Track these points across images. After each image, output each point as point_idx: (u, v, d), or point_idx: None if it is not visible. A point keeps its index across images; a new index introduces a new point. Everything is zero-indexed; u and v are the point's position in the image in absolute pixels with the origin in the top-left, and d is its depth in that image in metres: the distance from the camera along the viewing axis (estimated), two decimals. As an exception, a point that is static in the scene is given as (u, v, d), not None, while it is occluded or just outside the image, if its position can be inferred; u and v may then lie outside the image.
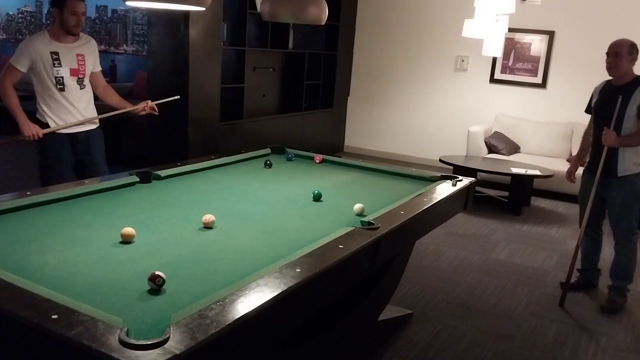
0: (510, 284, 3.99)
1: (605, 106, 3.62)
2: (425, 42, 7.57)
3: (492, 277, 4.08)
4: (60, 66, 3.44)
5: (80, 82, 3.54)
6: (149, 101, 3.74)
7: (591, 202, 3.63)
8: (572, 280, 3.81)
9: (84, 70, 3.55)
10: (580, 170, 3.94)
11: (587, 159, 3.85)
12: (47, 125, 3.48)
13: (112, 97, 3.79)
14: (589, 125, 3.92)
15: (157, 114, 3.79)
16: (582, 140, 4.07)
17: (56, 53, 3.43)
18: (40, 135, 3.41)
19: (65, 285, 1.61)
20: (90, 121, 3.65)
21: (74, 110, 3.53)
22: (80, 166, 3.67)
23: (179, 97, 3.87)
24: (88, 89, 3.63)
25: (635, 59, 3.56)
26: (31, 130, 3.38)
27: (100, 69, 3.76)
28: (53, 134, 3.47)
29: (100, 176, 3.12)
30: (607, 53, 3.61)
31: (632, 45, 3.58)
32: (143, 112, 3.72)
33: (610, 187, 3.60)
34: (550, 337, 3.27)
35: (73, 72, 3.50)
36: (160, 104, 3.78)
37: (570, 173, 3.99)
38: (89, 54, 3.59)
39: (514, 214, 5.69)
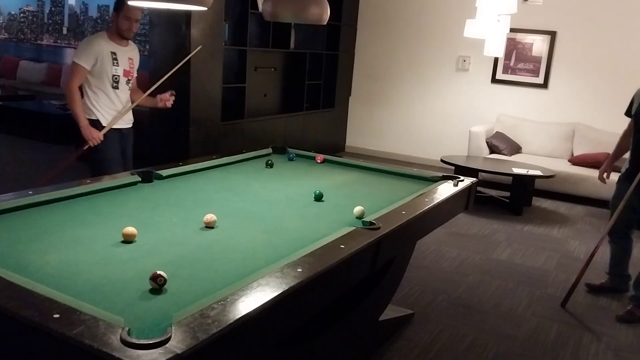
0: (512, 284, 3.99)
1: None
2: (427, 42, 7.57)
3: (493, 278, 4.08)
4: (118, 65, 3.68)
5: (128, 83, 3.80)
6: (168, 93, 3.92)
7: (620, 210, 3.58)
8: (600, 282, 3.90)
9: (133, 72, 3.84)
10: (614, 176, 3.86)
11: (627, 167, 3.71)
12: (96, 121, 3.67)
13: (136, 96, 3.97)
14: (628, 127, 3.79)
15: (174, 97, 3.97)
16: (619, 141, 3.92)
17: (114, 53, 3.66)
18: (102, 138, 3.63)
19: (66, 284, 1.61)
20: (123, 116, 3.83)
21: (121, 107, 3.78)
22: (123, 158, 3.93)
23: (200, 46, 4.08)
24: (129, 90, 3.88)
25: None
26: (92, 134, 3.61)
27: (136, 76, 3.99)
28: (99, 124, 3.68)
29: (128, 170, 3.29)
30: None
31: None
32: (163, 104, 3.91)
33: None
34: (551, 338, 3.27)
35: (125, 73, 3.75)
36: (185, 61, 4.01)
37: (604, 172, 3.92)
38: (136, 60, 3.88)
39: (516, 214, 5.69)
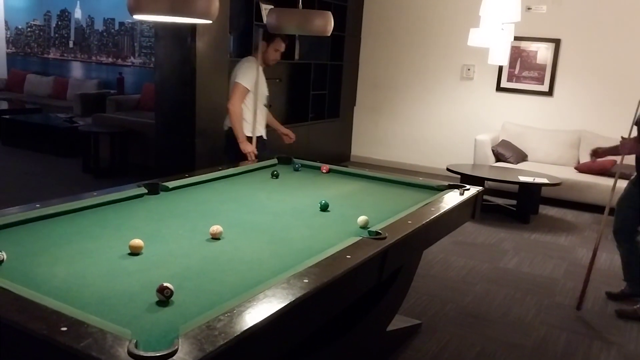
0: (520, 292, 3.96)
1: None
2: (431, 51, 7.58)
3: (501, 286, 4.06)
4: (265, 87, 4.22)
5: (266, 99, 4.31)
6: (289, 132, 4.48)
7: (622, 210, 3.71)
8: (620, 290, 3.92)
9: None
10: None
11: (636, 173, 3.73)
12: (260, 137, 4.19)
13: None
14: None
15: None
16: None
17: (262, 76, 4.15)
18: (256, 152, 4.02)
19: (74, 297, 1.62)
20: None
21: (264, 121, 4.29)
22: None
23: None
24: None
25: None
26: (247, 148, 4.00)
27: None
28: (262, 138, 4.23)
29: None
30: None
31: None
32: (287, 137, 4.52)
33: None
34: (560, 346, 3.24)
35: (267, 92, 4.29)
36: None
37: (597, 154, 3.83)
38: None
39: (523, 223, 5.67)
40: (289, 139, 4.46)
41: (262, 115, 4.25)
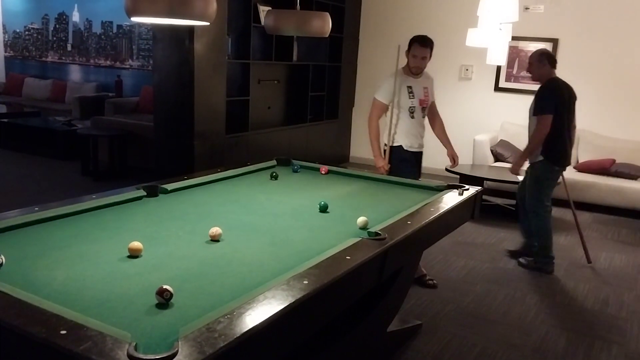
0: (520, 292, 3.96)
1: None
2: (429, 52, 7.57)
3: (501, 286, 4.05)
4: (414, 97, 4.05)
5: (424, 110, 4.14)
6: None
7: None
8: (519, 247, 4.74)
9: (428, 100, 4.15)
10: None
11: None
12: (399, 147, 4.10)
13: (437, 125, 4.37)
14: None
15: None
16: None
17: (410, 87, 4.03)
18: (386, 167, 4.05)
19: (73, 300, 1.61)
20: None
21: (417, 133, 4.14)
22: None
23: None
24: (426, 117, 4.21)
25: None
26: (378, 163, 4.10)
27: (434, 99, 4.30)
28: (402, 149, 4.09)
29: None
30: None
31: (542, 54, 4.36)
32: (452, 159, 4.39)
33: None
34: (561, 346, 3.24)
35: (421, 102, 4.09)
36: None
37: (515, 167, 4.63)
38: (431, 87, 4.19)
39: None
40: (452, 162, 4.34)
41: (413, 126, 4.10)
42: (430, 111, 4.26)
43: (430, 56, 4.06)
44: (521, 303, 3.79)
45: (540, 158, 4.34)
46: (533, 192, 4.42)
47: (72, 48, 10.42)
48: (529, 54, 4.71)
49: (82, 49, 10.28)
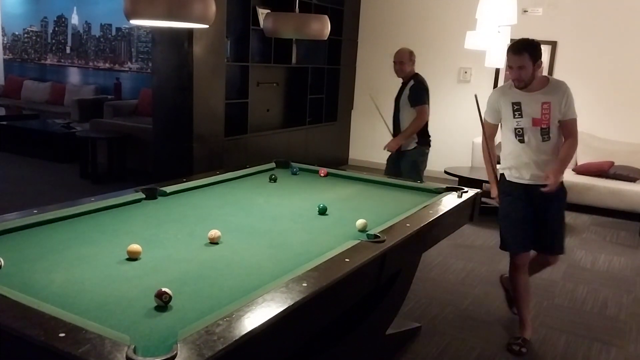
0: (519, 295, 3.96)
1: None
2: (428, 55, 7.58)
3: (500, 289, 4.04)
4: (521, 117, 3.15)
5: (544, 133, 3.14)
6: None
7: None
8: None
9: (548, 120, 3.11)
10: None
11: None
12: (502, 175, 3.37)
13: (563, 146, 3.22)
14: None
15: None
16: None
17: (517, 103, 3.15)
18: (496, 199, 3.36)
19: (72, 303, 1.61)
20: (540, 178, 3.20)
21: (532, 162, 3.20)
22: (537, 222, 3.29)
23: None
24: (556, 141, 3.19)
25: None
26: (492, 193, 3.41)
27: (573, 117, 3.15)
28: (503, 178, 3.34)
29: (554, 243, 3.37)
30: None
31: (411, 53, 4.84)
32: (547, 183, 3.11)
33: None
34: (560, 348, 3.24)
35: (535, 122, 3.13)
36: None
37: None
38: (555, 103, 3.11)
39: (521, 225, 5.66)
40: (547, 181, 3.12)
41: (523, 153, 3.20)
42: (563, 132, 3.20)
43: (535, 63, 3.04)
44: (520, 305, 3.79)
45: (414, 145, 4.82)
46: (414, 176, 4.58)
47: (71, 51, 10.42)
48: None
49: (81, 52, 10.28)
